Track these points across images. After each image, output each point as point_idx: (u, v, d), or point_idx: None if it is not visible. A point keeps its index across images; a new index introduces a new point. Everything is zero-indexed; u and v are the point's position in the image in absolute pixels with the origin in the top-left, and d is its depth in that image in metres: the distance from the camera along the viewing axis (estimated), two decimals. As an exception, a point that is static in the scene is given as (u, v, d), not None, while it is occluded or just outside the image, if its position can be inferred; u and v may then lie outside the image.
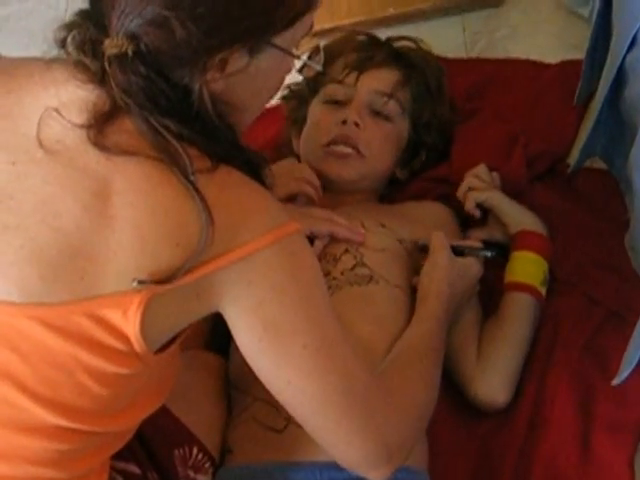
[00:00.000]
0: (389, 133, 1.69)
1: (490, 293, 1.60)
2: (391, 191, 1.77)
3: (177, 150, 1.04)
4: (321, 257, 1.50)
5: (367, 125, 1.65)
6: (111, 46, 1.03)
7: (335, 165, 1.64)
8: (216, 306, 1.10)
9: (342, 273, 1.48)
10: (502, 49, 2.00)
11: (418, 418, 1.27)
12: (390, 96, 1.68)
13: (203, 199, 1.03)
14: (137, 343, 1.05)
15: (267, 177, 1.16)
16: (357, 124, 1.63)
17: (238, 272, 1.07)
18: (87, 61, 1.06)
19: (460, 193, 1.64)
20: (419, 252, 1.54)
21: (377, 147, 1.66)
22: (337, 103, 1.68)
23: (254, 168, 1.13)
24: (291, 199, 1.59)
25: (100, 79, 1.05)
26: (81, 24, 1.07)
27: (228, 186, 1.08)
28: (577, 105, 1.77)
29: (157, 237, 1.03)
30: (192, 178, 1.03)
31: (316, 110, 1.72)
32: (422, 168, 1.78)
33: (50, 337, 1.04)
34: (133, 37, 1.03)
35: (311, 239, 1.50)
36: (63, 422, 1.07)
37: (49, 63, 1.10)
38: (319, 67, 1.22)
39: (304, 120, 1.75)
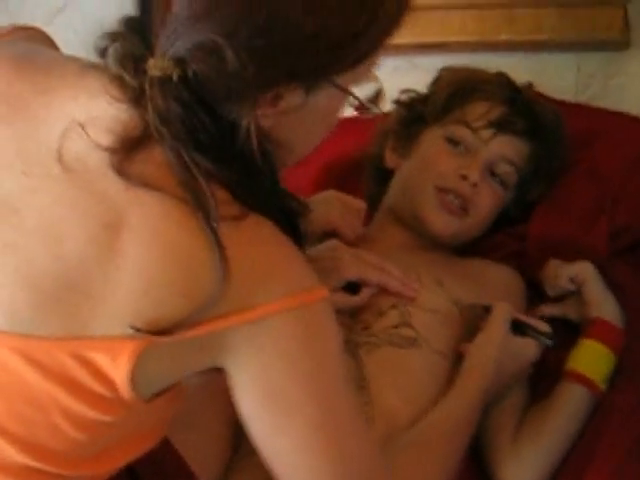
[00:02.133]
0: (499, 201, 1.60)
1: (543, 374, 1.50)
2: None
3: (204, 191, 0.95)
4: (365, 308, 1.43)
5: (484, 187, 1.56)
6: (155, 67, 0.95)
7: (439, 215, 1.55)
8: (219, 363, 1.02)
9: (384, 331, 1.40)
10: (615, 99, 1.86)
11: None
12: (518, 169, 1.59)
13: (222, 250, 0.94)
14: (125, 391, 0.98)
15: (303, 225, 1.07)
16: (476, 185, 1.54)
17: (247, 334, 0.99)
18: (126, 78, 0.97)
19: (548, 273, 1.54)
20: (482, 313, 1.45)
21: (484, 212, 1.58)
22: (459, 146, 1.58)
23: (290, 218, 1.05)
24: None
25: (136, 100, 0.97)
26: (126, 36, 0.99)
27: (254, 241, 1.00)
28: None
29: (163, 283, 0.96)
30: (215, 225, 0.95)
31: (436, 144, 1.60)
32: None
33: (30, 372, 0.97)
34: (181, 61, 0.95)
35: (359, 286, 1.42)
36: (32, 462, 1.01)
37: (85, 69, 1.02)
38: (377, 110, 1.12)
39: (409, 139, 1.65)
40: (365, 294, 1.42)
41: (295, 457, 1.05)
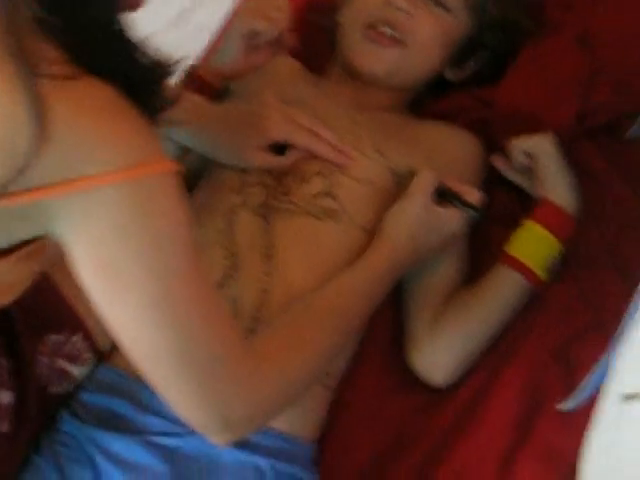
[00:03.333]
0: (444, 25, 1.44)
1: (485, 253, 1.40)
2: (424, 98, 1.54)
3: (34, 45, 0.87)
4: (288, 171, 1.33)
5: (419, 13, 1.41)
6: None
7: (368, 52, 1.42)
8: (50, 232, 0.96)
9: (303, 199, 1.31)
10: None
11: (284, 394, 1.12)
12: None
13: (39, 106, 0.85)
14: None
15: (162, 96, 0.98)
16: (401, 9, 1.40)
17: (78, 205, 0.92)
18: None
19: (510, 144, 1.41)
20: (409, 178, 1.32)
21: (425, 38, 1.42)
22: None
23: (145, 86, 0.96)
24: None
25: None
26: None
27: (85, 106, 0.90)
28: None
29: None
30: (32, 77, 0.86)
31: None
32: (474, 77, 1.53)
33: None
34: None
35: (285, 146, 1.33)
36: None
37: None
38: None
39: None
40: (291, 156, 1.33)
41: (132, 333, 1.00)
